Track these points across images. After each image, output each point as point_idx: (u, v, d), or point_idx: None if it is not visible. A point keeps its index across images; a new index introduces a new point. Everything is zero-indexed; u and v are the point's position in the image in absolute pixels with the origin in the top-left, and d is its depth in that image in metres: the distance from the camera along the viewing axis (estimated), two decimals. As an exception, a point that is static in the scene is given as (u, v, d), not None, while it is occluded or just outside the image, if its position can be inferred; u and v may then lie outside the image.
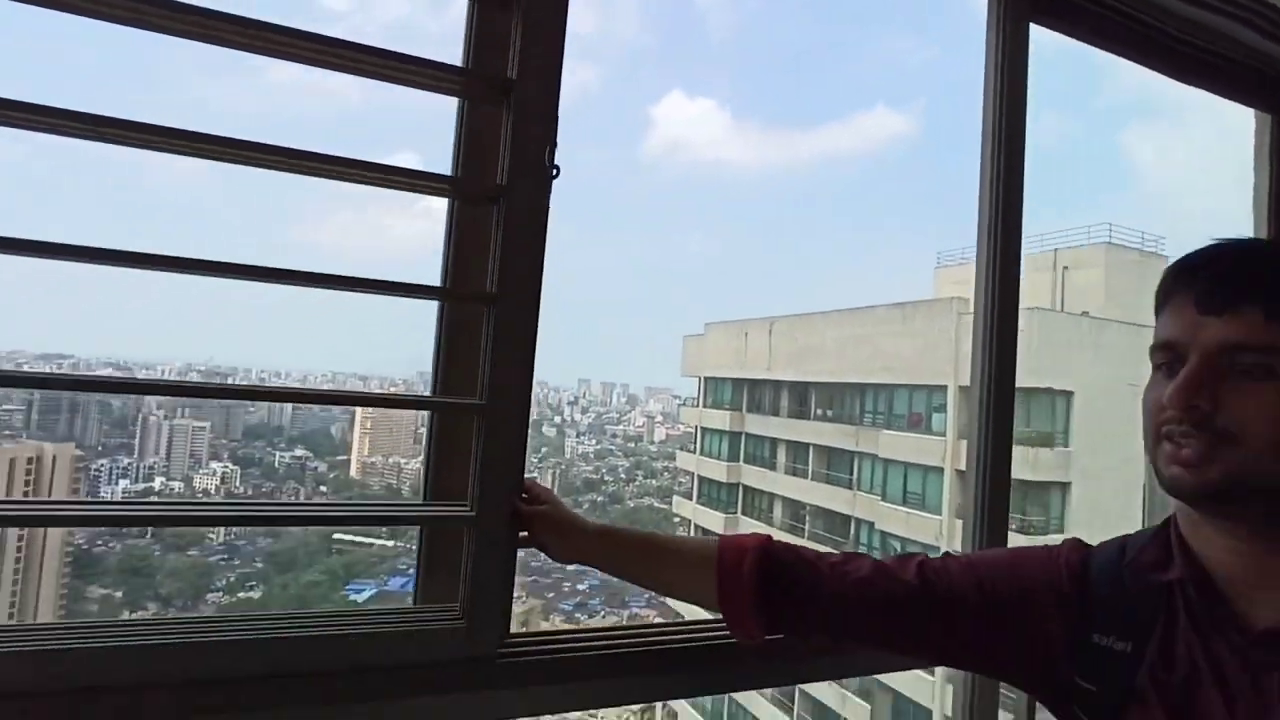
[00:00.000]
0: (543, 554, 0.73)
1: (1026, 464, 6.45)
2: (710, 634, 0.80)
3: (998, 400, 1.25)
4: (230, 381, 0.95)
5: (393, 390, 1.48)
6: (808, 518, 9.58)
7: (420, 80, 0.72)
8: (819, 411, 9.56)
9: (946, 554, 0.68)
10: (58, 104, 0.57)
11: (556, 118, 0.74)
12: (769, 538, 0.69)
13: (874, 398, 8.44)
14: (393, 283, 0.73)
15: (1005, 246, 1.43)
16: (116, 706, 0.58)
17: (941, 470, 7.23)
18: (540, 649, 0.72)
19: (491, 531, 0.70)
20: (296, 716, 0.64)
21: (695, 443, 10.32)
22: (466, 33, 0.75)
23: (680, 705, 9.56)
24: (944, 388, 7.48)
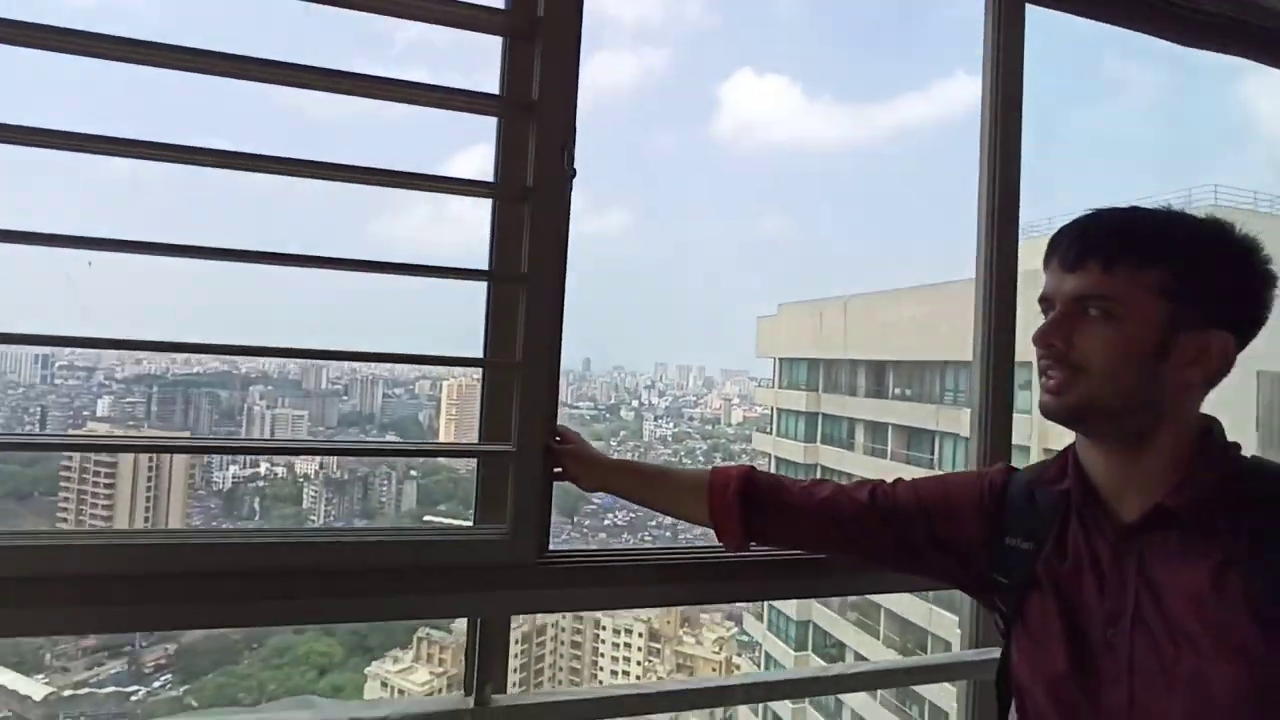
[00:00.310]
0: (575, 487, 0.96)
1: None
2: (709, 554, 1.00)
3: (996, 371, 1.33)
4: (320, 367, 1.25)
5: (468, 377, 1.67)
6: (888, 500, 9.46)
7: (465, 106, 0.90)
8: (897, 390, 9.36)
9: (898, 479, 0.84)
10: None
11: (574, 129, 0.91)
12: (751, 468, 0.87)
13: (955, 375, 8.20)
14: (447, 268, 0.93)
15: (1003, 227, 1.50)
16: (231, 589, 0.82)
17: (1027, 449, 6.95)
18: (571, 560, 0.94)
19: (529, 464, 0.91)
20: (378, 604, 0.87)
21: (771, 424, 10.34)
22: (501, 63, 0.93)
23: (763, 633, 9.68)
24: (1028, 364, 7.18)
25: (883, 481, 0.85)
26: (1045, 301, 0.72)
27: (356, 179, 0.87)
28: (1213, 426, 0.72)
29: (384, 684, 8.12)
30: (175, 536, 0.89)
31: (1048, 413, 0.71)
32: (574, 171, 0.91)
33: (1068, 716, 0.68)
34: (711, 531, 0.90)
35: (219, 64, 0.81)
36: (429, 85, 0.87)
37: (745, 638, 10.13)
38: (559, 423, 0.96)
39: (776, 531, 0.88)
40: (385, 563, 0.90)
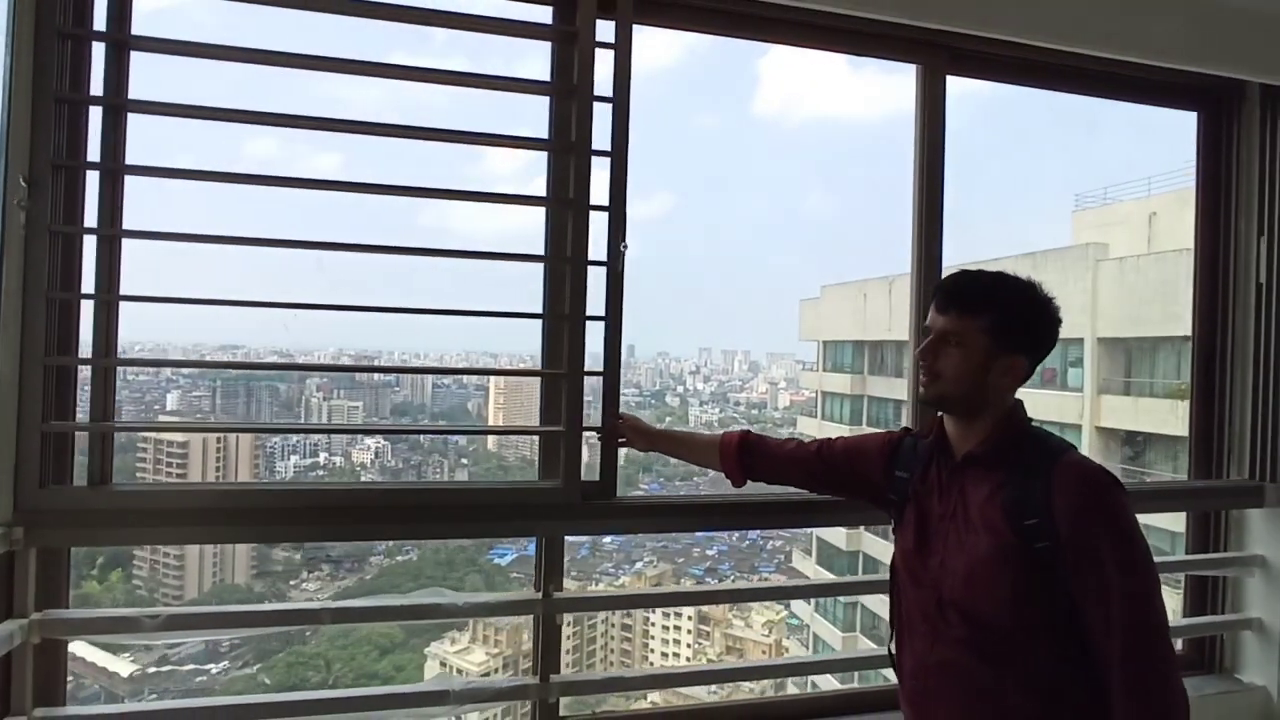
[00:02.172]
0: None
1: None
2: (692, 498, 1.65)
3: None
4: (377, 363, 1.92)
5: (520, 364, 2.13)
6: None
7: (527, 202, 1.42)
8: (941, 372, 9.51)
9: (840, 437, 1.42)
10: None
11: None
12: (748, 431, 1.53)
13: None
14: (509, 253, 1.46)
15: (929, 245, 2.01)
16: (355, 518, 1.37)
17: (1079, 428, 7.11)
18: (603, 503, 1.58)
19: (574, 440, 1.50)
20: (479, 527, 1.43)
21: (817, 407, 10.59)
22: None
23: (811, 614, 9.93)
24: (1080, 341, 7.31)
25: (829, 439, 1.48)
26: (926, 329, 1.27)
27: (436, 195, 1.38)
28: (1016, 409, 1.25)
29: (442, 663, 8.75)
30: (318, 485, 1.47)
31: (921, 400, 1.29)
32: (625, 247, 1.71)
33: (911, 575, 1.26)
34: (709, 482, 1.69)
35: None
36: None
37: (795, 620, 10.48)
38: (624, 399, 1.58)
39: (762, 473, 1.53)
40: (481, 501, 1.53)
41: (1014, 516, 1.14)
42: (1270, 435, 2.26)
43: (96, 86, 1.52)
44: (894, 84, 2.12)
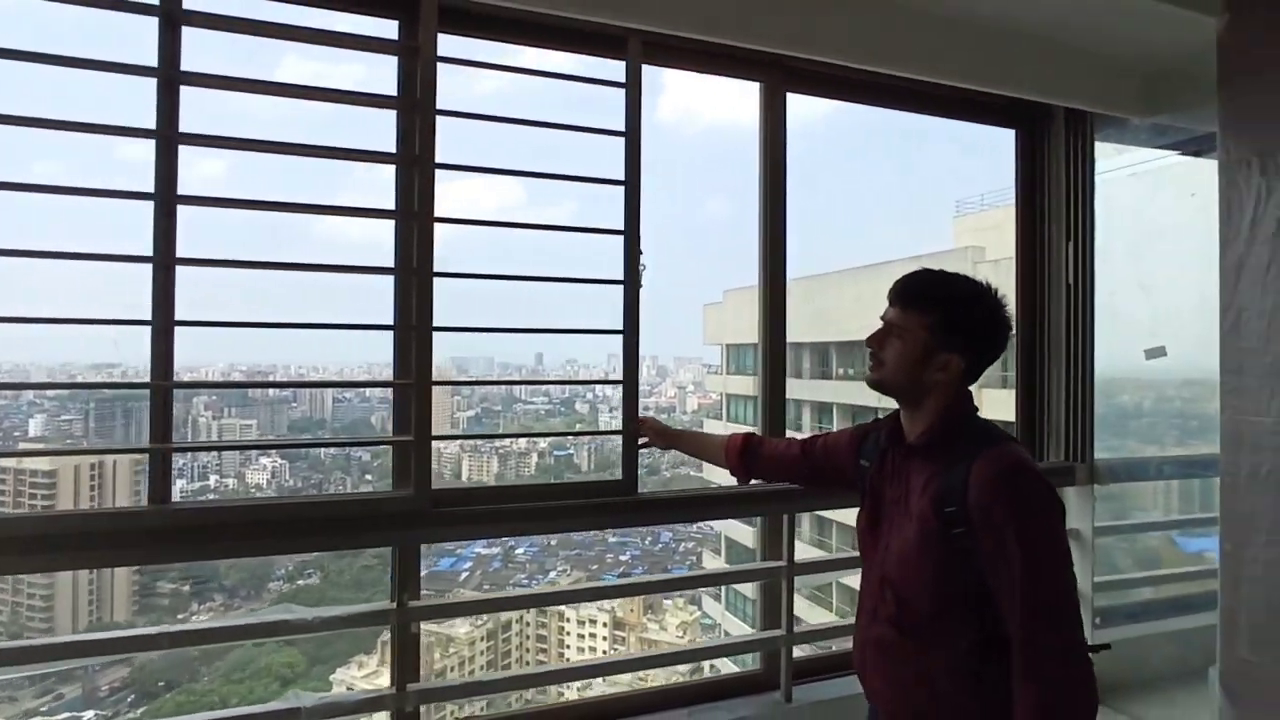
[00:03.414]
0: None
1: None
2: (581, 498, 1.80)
3: (772, 351, 1.98)
4: (272, 379, 1.87)
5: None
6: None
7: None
8: (840, 371, 9.96)
9: (825, 434, 1.59)
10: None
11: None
12: (751, 433, 1.74)
13: (894, 353, 8.84)
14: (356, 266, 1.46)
15: (773, 256, 2.15)
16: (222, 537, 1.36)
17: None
18: (451, 509, 1.60)
19: (423, 448, 1.50)
20: (332, 540, 1.45)
21: (722, 410, 10.86)
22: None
23: (722, 613, 10.13)
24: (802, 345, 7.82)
25: (814, 437, 1.61)
26: (882, 318, 1.32)
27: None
28: (958, 403, 1.29)
29: (349, 688, 8.42)
30: (177, 506, 1.43)
31: (869, 384, 1.33)
32: (644, 266, 1.96)
33: (864, 555, 1.38)
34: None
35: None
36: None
37: (708, 620, 10.68)
38: (532, 408, 1.66)
39: (760, 473, 1.70)
40: (335, 514, 1.55)
41: (938, 504, 1.20)
42: (1079, 421, 2.53)
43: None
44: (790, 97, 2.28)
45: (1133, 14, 2.16)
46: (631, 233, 1.96)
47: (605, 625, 10.40)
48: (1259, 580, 2.00)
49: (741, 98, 2.29)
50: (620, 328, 1.95)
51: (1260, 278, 2.01)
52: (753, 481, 1.76)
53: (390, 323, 1.82)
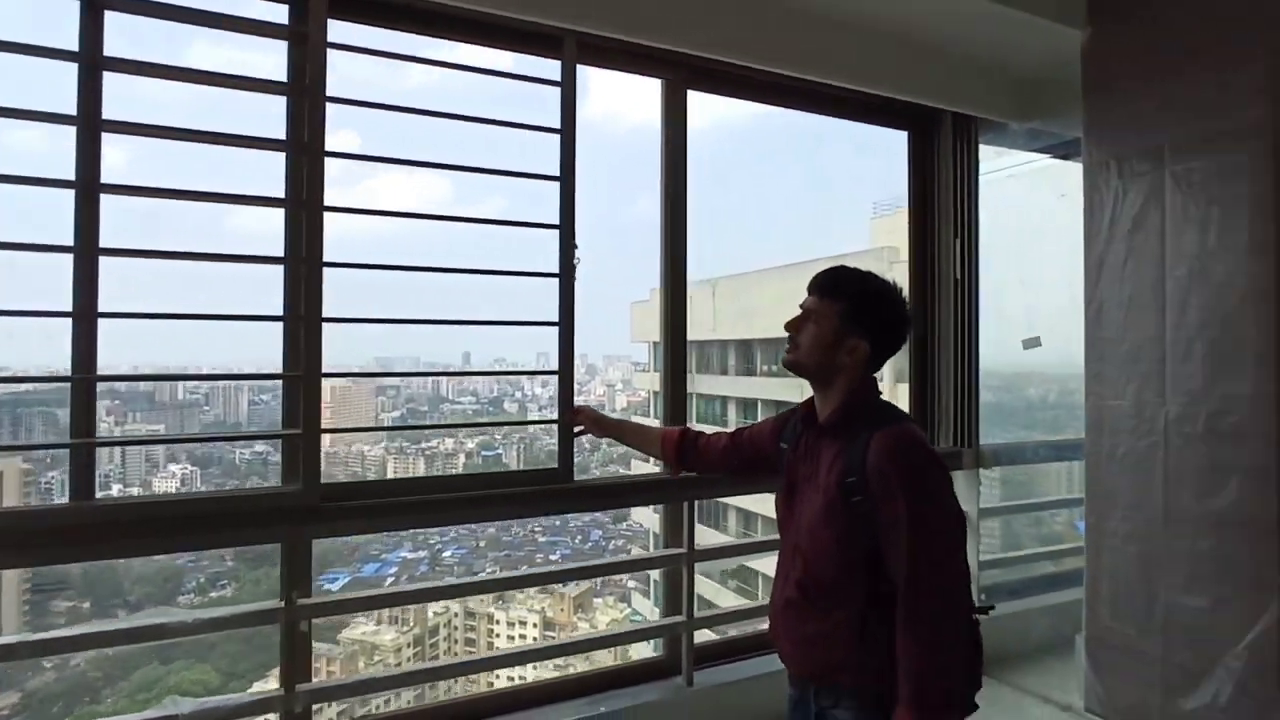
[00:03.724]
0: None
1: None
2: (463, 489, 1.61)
3: (674, 347, 2.01)
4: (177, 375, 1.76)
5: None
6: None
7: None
8: (764, 367, 10.19)
9: (750, 426, 1.66)
10: None
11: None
12: (687, 428, 1.78)
13: (816, 349, 9.12)
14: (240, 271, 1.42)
15: (674, 253, 2.19)
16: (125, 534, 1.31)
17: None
18: (339, 502, 1.57)
19: (312, 442, 1.50)
20: (222, 537, 1.41)
21: (650, 407, 10.95)
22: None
23: (650, 609, 10.24)
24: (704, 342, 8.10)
25: (740, 429, 1.67)
26: (801, 306, 1.43)
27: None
28: (863, 387, 1.40)
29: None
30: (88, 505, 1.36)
31: (786, 367, 1.42)
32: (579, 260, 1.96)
33: (781, 523, 1.47)
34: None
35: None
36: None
37: (638, 617, 10.73)
38: (460, 408, 1.64)
39: (694, 464, 1.75)
40: (221, 510, 1.50)
41: (842, 476, 1.31)
42: (966, 409, 2.67)
43: None
44: (700, 98, 2.33)
45: (1009, 25, 2.30)
46: (567, 226, 2.01)
47: (536, 626, 10.31)
48: (1118, 550, 2.16)
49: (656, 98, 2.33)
50: (556, 320, 2.03)
51: (1118, 273, 2.18)
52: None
53: (282, 314, 1.77)
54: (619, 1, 2.02)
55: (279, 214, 1.80)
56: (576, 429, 2.03)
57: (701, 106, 2.40)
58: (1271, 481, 1.86)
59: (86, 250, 1.55)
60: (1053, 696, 2.38)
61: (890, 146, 2.89)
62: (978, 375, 2.68)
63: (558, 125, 2.04)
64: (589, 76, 2.16)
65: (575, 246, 2.02)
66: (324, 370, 1.74)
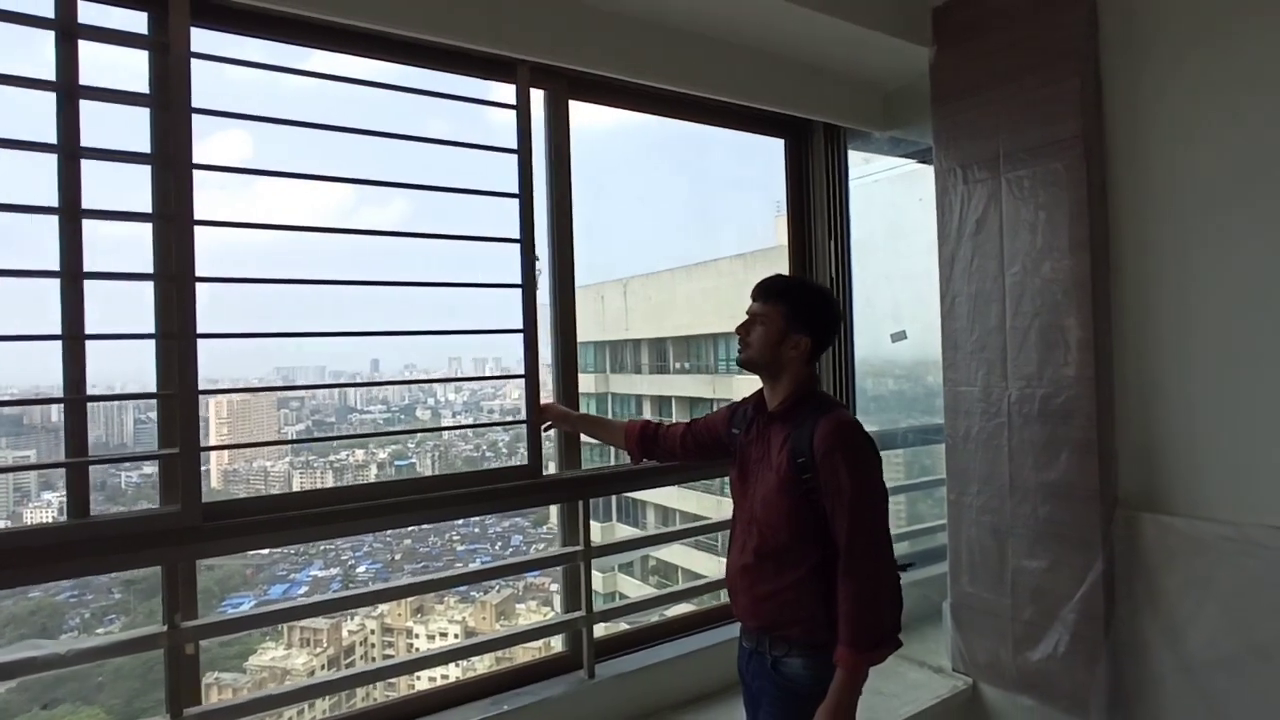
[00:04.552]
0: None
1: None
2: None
3: (564, 344, 2.10)
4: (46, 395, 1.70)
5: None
6: (683, 466, 10.48)
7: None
8: (678, 365, 10.42)
9: (704, 416, 1.92)
10: None
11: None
12: (647, 421, 2.03)
13: (725, 346, 9.41)
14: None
15: (561, 254, 2.28)
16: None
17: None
18: (229, 520, 1.58)
19: (190, 461, 1.47)
20: (81, 568, 1.40)
21: (508, 420, 10.94)
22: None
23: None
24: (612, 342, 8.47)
25: (695, 419, 1.92)
26: (748, 311, 1.68)
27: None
28: (807, 379, 1.65)
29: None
30: None
31: (738, 363, 1.68)
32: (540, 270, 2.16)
33: (736, 498, 1.71)
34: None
35: None
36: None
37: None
38: (370, 418, 1.63)
39: (654, 453, 1.99)
40: (96, 534, 1.48)
41: (793, 455, 1.55)
42: (845, 398, 2.88)
43: None
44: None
45: (868, 45, 2.50)
46: (527, 239, 2.20)
47: (457, 638, 10.14)
48: (974, 523, 2.40)
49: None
50: (520, 327, 2.22)
51: (966, 269, 2.41)
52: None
53: (154, 332, 1.75)
54: (503, 24, 2.09)
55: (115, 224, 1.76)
56: (545, 425, 2.22)
57: (604, 111, 2.52)
58: (1093, 454, 2.12)
59: (72, 271, 1.56)
60: (927, 660, 2.61)
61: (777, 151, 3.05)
62: (854, 366, 2.89)
63: (514, 146, 2.21)
64: (490, 90, 2.23)
65: (536, 258, 2.21)
66: (202, 387, 1.73)
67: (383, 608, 10.43)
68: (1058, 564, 2.19)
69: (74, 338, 1.62)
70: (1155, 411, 2.09)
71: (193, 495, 1.68)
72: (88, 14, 1.69)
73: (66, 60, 1.63)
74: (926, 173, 2.69)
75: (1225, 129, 1.96)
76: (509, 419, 2.36)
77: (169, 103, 1.73)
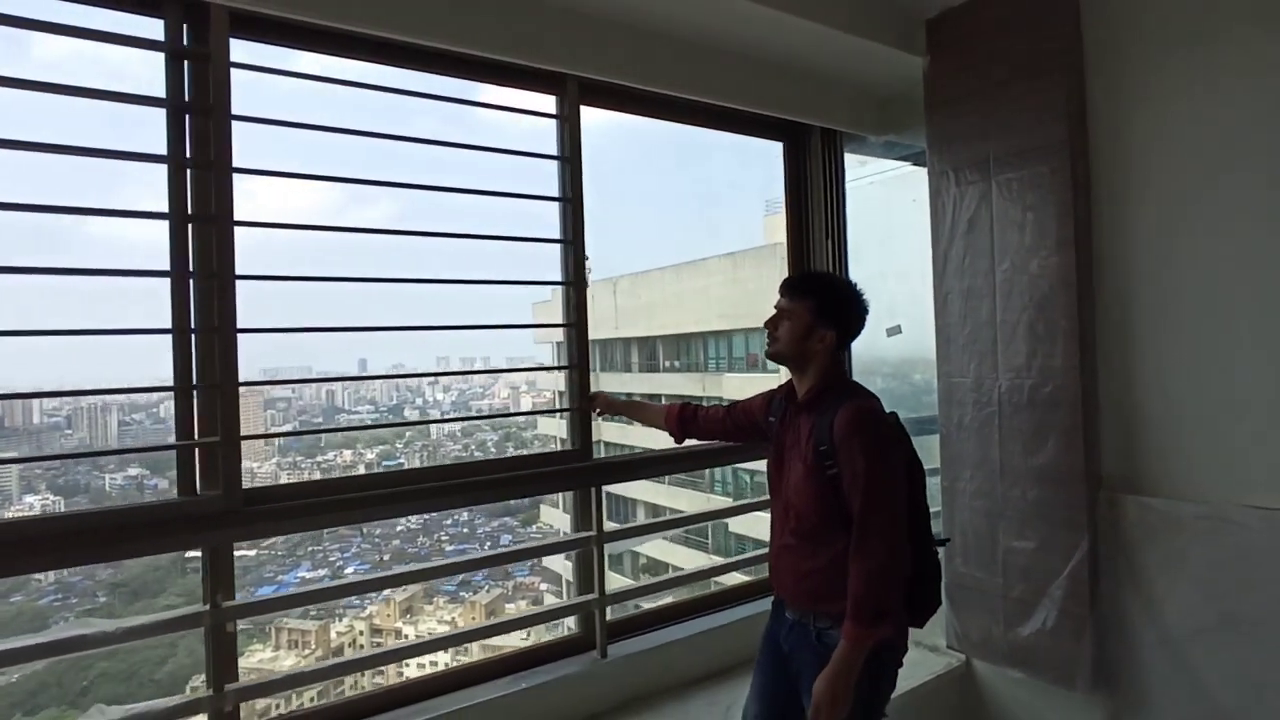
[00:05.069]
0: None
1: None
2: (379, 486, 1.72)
3: (579, 340, 2.21)
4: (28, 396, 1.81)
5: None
6: (671, 462, 10.61)
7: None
8: (667, 363, 10.55)
9: (743, 400, 2.08)
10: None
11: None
12: (685, 403, 2.20)
13: (715, 344, 9.56)
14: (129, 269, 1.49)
15: (576, 257, 2.41)
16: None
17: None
18: (268, 504, 1.68)
19: (232, 449, 1.57)
20: (129, 550, 1.48)
21: (556, 408, 11.05)
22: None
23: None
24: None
25: (735, 402, 2.06)
26: (775, 306, 1.79)
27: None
28: (833, 368, 1.76)
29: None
30: None
31: (767, 356, 1.80)
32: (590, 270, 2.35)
33: (772, 488, 1.84)
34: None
35: None
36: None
37: (553, 618, 10.81)
38: (358, 417, 1.75)
39: (694, 433, 2.14)
40: (144, 519, 1.57)
41: (817, 443, 1.65)
42: (842, 390, 3.01)
43: None
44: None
45: (865, 53, 2.64)
46: (578, 241, 2.42)
47: (447, 627, 10.22)
48: (967, 506, 2.54)
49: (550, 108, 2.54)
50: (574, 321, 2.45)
51: (959, 266, 2.55)
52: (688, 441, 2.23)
53: (175, 328, 1.83)
54: (523, 35, 2.20)
55: (136, 224, 1.81)
56: (596, 411, 2.39)
57: (600, 114, 2.64)
58: (1079, 439, 2.27)
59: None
60: (924, 640, 2.75)
61: (774, 153, 3.19)
62: (850, 361, 3.03)
63: (566, 154, 2.45)
64: (488, 94, 2.33)
65: (586, 258, 2.42)
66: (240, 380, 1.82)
67: (371, 608, 10.45)
68: (1046, 544, 2.34)
69: (83, 333, 1.71)
70: (1135, 398, 2.25)
71: (234, 481, 1.77)
72: (105, 21, 1.77)
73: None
74: (920, 175, 2.83)
75: (1197, 128, 2.12)
76: (557, 408, 2.57)
77: (211, 109, 1.82)
